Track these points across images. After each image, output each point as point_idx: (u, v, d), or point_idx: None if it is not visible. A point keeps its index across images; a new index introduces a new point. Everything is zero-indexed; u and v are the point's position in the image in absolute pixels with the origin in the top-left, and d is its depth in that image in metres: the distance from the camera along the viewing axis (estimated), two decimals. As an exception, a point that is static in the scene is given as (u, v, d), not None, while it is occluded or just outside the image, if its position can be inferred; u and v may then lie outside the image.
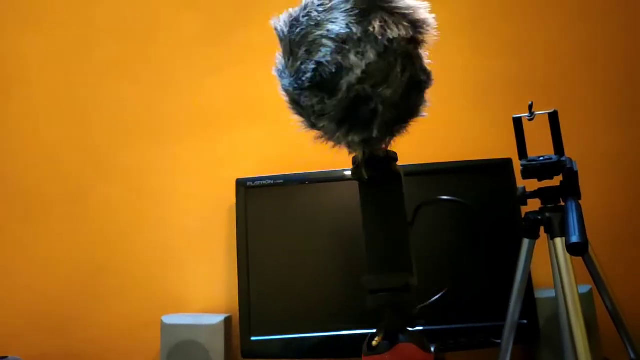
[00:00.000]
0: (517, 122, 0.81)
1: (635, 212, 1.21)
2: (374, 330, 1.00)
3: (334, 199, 1.07)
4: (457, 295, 1.03)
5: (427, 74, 0.38)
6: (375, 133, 0.35)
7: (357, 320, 1.02)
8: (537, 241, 0.84)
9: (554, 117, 0.78)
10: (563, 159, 0.78)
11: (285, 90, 0.36)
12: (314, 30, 0.31)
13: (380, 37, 0.32)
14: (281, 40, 0.37)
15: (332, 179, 1.08)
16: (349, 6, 0.32)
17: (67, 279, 1.23)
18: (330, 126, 0.35)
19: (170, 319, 1.09)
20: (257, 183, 1.09)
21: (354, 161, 0.40)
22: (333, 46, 0.31)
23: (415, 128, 0.65)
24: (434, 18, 0.40)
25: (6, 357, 0.96)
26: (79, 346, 1.21)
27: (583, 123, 1.23)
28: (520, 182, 0.82)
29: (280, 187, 1.09)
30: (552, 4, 1.27)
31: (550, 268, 0.79)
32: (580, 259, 0.79)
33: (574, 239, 0.66)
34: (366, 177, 0.39)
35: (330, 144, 0.39)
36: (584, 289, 1.03)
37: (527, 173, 0.79)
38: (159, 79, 1.30)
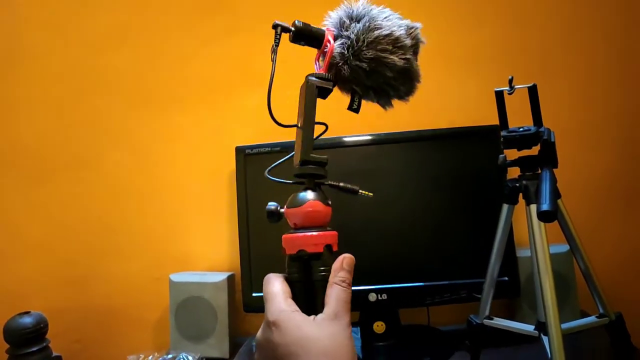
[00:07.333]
0: (499, 95, 0.85)
1: (613, 180, 1.26)
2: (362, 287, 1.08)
3: (328, 165, 1.11)
4: (443, 254, 1.10)
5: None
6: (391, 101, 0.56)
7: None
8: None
9: (533, 91, 0.81)
10: (541, 129, 0.81)
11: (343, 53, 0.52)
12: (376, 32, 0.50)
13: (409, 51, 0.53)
14: (344, 26, 0.52)
15: (326, 146, 1.10)
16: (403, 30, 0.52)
17: (82, 240, 1.31)
18: (363, 90, 0.54)
19: (177, 277, 1.17)
20: (255, 150, 1.14)
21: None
22: (390, 48, 0.51)
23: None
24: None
25: (29, 311, 1.03)
26: (96, 300, 1.30)
27: (565, 93, 1.26)
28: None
29: (278, 154, 1.12)
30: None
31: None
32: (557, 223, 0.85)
33: (544, 207, 0.70)
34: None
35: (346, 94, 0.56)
36: (563, 248, 1.08)
37: (507, 143, 0.83)
38: (158, 47, 1.32)
